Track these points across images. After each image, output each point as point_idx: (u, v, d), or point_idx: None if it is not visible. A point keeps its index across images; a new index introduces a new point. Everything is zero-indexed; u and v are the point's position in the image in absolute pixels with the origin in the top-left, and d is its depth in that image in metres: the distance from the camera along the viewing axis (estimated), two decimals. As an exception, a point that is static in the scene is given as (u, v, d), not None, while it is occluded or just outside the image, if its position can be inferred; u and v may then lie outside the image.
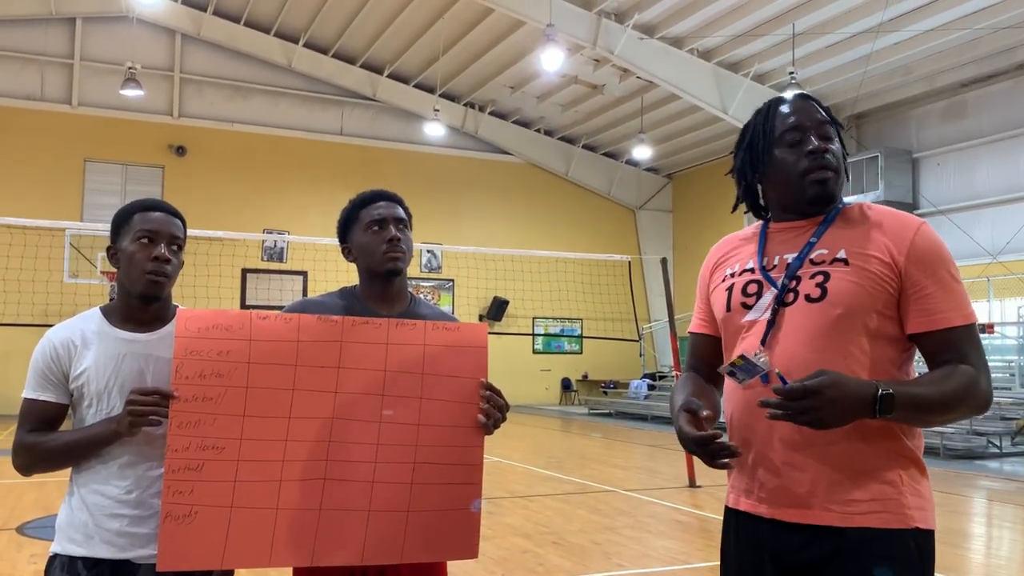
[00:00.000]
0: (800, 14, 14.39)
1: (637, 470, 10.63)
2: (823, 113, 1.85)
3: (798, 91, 1.95)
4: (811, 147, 1.80)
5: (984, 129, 15.27)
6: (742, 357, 1.72)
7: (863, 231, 1.76)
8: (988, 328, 13.61)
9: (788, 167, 1.82)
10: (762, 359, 1.70)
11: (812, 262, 1.76)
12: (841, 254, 1.74)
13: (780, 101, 1.89)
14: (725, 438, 1.72)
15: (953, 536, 6.64)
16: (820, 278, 1.73)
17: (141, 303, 2.08)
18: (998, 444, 11.97)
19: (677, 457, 10.71)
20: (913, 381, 1.69)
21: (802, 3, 14.15)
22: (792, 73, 14.50)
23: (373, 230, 2.28)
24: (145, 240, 2.06)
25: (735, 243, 1.96)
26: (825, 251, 1.76)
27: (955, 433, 11.53)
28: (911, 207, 16.06)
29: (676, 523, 7.03)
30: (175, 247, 2.09)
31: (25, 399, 2.05)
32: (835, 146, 1.83)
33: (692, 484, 8.76)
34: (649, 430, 15.81)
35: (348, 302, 2.29)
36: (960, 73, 15.20)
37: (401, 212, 2.33)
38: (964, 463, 10.97)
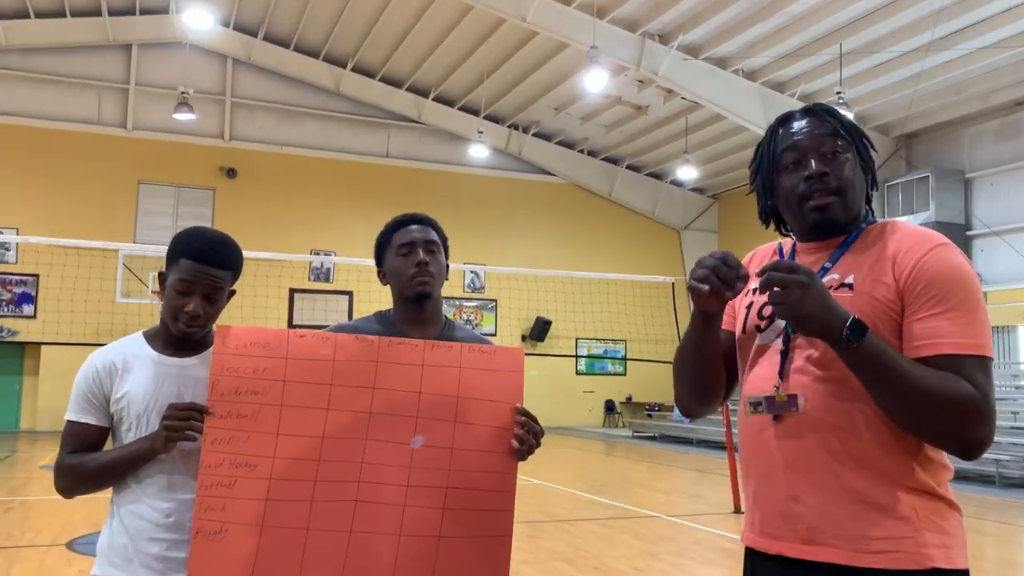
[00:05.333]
0: (848, 33, 14.22)
1: (681, 495, 10.48)
2: (833, 126, 1.73)
3: (810, 104, 1.83)
4: (808, 172, 1.70)
5: (1040, 148, 14.90)
6: (789, 396, 1.65)
7: (877, 253, 1.67)
8: (1046, 352, 13.20)
9: (788, 192, 1.75)
10: (802, 400, 1.63)
11: None
12: (849, 279, 1.65)
13: (787, 118, 1.80)
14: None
15: (1011, 569, 6.41)
16: None
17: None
18: (1058, 473, 11.56)
19: (722, 482, 10.53)
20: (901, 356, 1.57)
21: (850, 22, 13.99)
22: (840, 93, 14.30)
23: (403, 254, 2.28)
24: (182, 290, 2.06)
25: (766, 256, 1.91)
26: (836, 276, 1.69)
27: (1011, 461, 11.16)
28: (963, 228, 15.70)
29: (721, 550, 6.89)
30: (210, 298, 2.07)
31: (68, 421, 2.08)
32: (846, 163, 1.71)
33: (737, 510, 8.60)
34: (694, 454, 15.59)
35: (383, 326, 2.28)
36: (1015, 91, 14.86)
37: (432, 235, 2.31)
38: (1021, 492, 10.61)
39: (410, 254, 2.27)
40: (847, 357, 1.54)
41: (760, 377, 1.73)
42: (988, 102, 15.36)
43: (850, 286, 1.66)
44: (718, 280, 1.60)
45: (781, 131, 1.79)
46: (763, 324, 1.76)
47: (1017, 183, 15.28)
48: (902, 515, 1.57)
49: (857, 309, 1.61)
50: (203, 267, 2.05)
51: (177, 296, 2.05)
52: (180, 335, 2.08)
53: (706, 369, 1.83)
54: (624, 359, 22.12)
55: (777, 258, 1.80)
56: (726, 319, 1.91)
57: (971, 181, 16.01)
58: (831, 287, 1.68)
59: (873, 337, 1.51)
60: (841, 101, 14.14)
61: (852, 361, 1.54)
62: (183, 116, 18.01)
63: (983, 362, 1.56)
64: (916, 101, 15.36)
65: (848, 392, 1.60)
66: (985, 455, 11.11)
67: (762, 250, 1.95)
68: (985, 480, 11.18)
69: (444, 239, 2.37)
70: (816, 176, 1.70)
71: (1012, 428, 12.79)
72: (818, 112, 1.77)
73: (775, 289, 1.53)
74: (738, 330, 1.85)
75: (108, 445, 2.10)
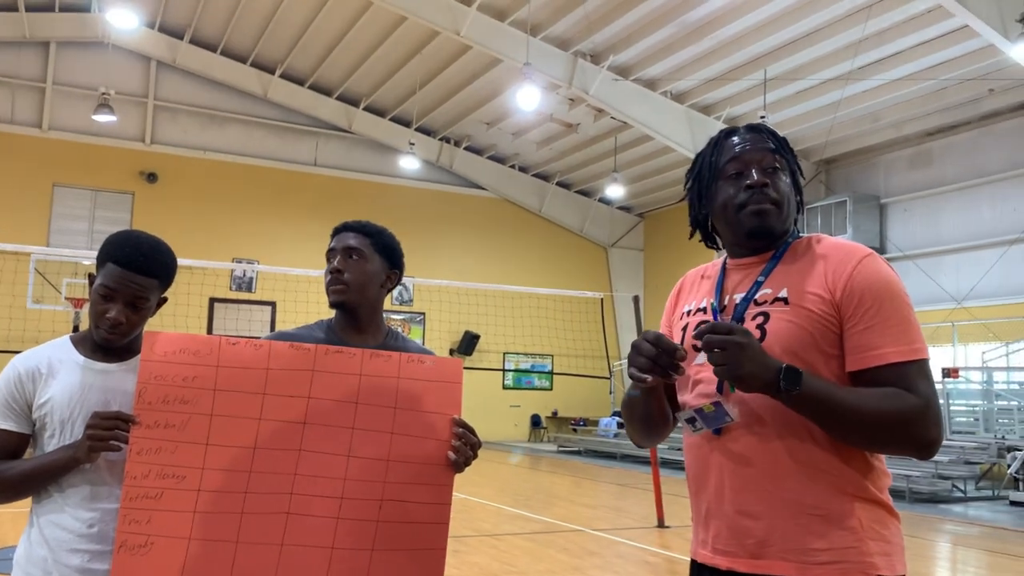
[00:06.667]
0: (772, 60, 14.67)
1: (606, 509, 10.55)
2: (773, 143, 1.80)
3: (751, 122, 1.95)
4: (750, 181, 1.76)
5: (949, 177, 15.60)
6: (715, 404, 1.67)
7: (807, 267, 1.71)
8: (952, 373, 13.77)
9: (727, 200, 1.79)
10: (734, 409, 1.66)
11: (756, 302, 1.72)
12: (783, 293, 1.69)
13: (731, 132, 1.85)
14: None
15: (920, 580, 6.63)
16: (760, 319, 1.68)
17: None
18: (963, 488, 12.05)
19: (646, 497, 10.64)
20: (841, 386, 1.61)
21: (774, 49, 14.44)
22: (763, 117, 14.73)
23: (327, 260, 2.28)
24: (105, 295, 1.98)
25: (696, 278, 1.95)
26: (769, 290, 1.72)
27: (920, 477, 11.59)
28: (878, 251, 16.22)
29: (644, 564, 6.96)
30: (135, 305, 2.00)
31: None
32: (783, 178, 1.78)
33: (661, 524, 8.70)
34: (618, 468, 15.74)
35: (326, 334, 2.25)
36: (926, 122, 15.55)
37: (354, 241, 2.27)
38: (929, 507, 11.02)
39: (329, 262, 2.26)
40: (788, 403, 1.58)
41: (699, 396, 1.75)
42: (901, 131, 16.02)
43: (785, 300, 1.69)
44: (660, 369, 1.65)
45: (725, 143, 1.84)
46: (700, 344, 1.78)
47: (928, 210, 15.95)
48: (847, 525, 1.61)
49: (794, 321, 1.65)
50: (128, 274, 1.98)
51: (100, 301, 1.98)
52: (101, 342, 2.01)
53: (652, 415, 1.88)
54: (551, 374, 22.23)
55: (712, 299, 1.83)
56: None
57: (886, 206, 16.65)
58: (766, 301, 1.71)
59: (809, 379, 1.56)
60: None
61: (794, 405, 1.58)
62: (103, 118, 17.43)
63: (923, 365, 1.62)
64: (835, 128, 15.93)
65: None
66: (895, 471, 11.54)
67: (691, 275, 1.98)
68: (895, 495, 11.56)
69: (384, 246, 2.32)
70: (757, 186, 1.75)
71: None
72: (762, 130, 1.84)
73: (715, 350, 1.57)
74: None
75: (29, 453, 2.01)
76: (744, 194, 1.76)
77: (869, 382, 1.61)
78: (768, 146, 1.79)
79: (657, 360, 1.64)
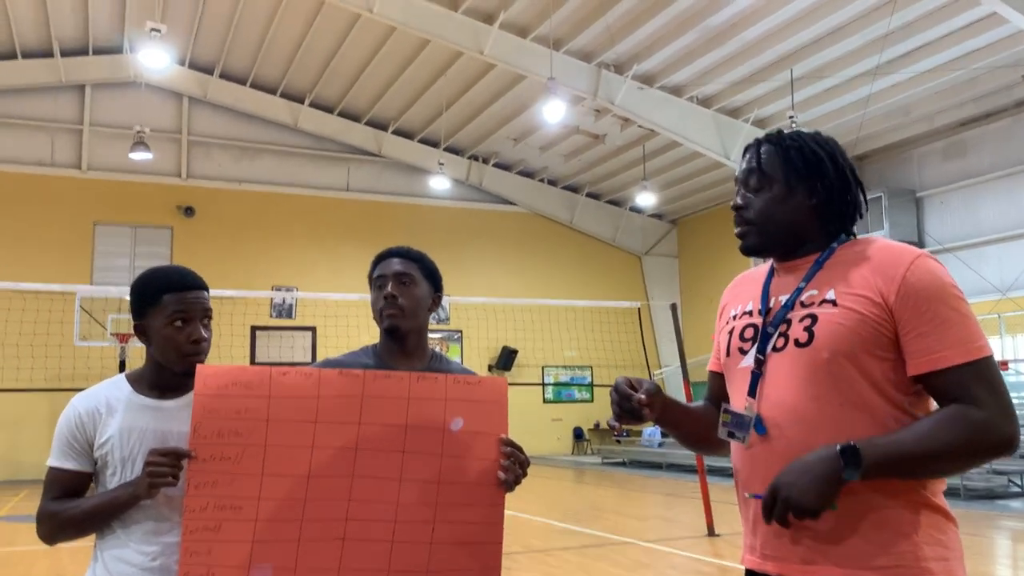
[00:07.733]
0: (798, 59, 14.58)
1: (654, 520, 10.48)
2: (755, 160, 1.82)
3: (763, 133, 1.93)
4: (733, 204, 1.86)
5: (985, 167, 15.34)
6: (727, 411, 1.69)
7: (855, 269, 1.69)
8: (1002, 365, 13.49)
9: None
10: (746, 408, 1.66)
11: (802, 304, 1.71)
12: (830, 294, 1.68)
13: (747, 148, 1.90)
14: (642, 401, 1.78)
15: (980, 579, 6.50)
16: (808, 321, 1.67)
17: (181, 376, 2.08)
18: (1019, 483, 11.79)
19: (695, 506, 10.56)
20: (897, 432, 1.58)
21: (800, 48, 14.34)
22: (792, 117, 14.63)
23: (376, 287, 2.32)
24: (180, 322, 2.05)
25: (745, 282, 1.96)
26: (815, 292, 1.71)
27: (974, 473, 11.36)
28: (917, 245, 15.86)
29: (697, 573, 6.90)
30: (205, 320, 2.10)
31: (49, 468, 2.05)
32: (761, 198, 1.80)
33: (711, 533, 8.62)
34: (664, 478, 15.62)
35: (373, 360, 2.30)
36: (958, 112, 15.32)
37: (404, 267, 2.32)
38: (985, 503, 10.79)
39: (380, 288, 2.29)
40: (863, 477, 1.56)
41: (733, 405, 1.77)
42: (933, 123, 15.80)
43: (833, 301, 1.67)
44: (630, 415, 1.77)
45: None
46: (746, 346, 1.79)
47: (965, 201, 15.70)
48: (902, 530, 1.59)
49: (843, 324, 1.64)
50: (192, 293, 2.07)
51: (178, 330, 2.04)
52: (187, 368, 2.04)
53: (687, 438, 1.98)
54: (591, 385, 22.15)
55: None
56: (716, 360, 1.97)
57: (922, 200, 16.42)
58: (813, 302, 1.70)
59: (868, 448, 1.54)
60: (794, 125, 14.46)
61: (868, 477, 1.56)
62: (139, 156, 17.80)
63: (982, 364, 1.59)
64: (866, 123, 15.75)
65: (837, 403, 1.62)
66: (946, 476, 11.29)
67: (747, 275, 1.99)
68: (950, 492, 11.34)
69: (429, 271, 2.37)
70: (735, 209, 1.85)
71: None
72: (752, 146, 1.87)
73: (785, 515, 1.59)
74: (722, 356, 1.89)
75: (93, 490, 2.07)
76: (735, 216, 1.86)
77: (933, 385, 1.61)
78: (749, 166, 1.84)
79: (622, 407, 1.76)
